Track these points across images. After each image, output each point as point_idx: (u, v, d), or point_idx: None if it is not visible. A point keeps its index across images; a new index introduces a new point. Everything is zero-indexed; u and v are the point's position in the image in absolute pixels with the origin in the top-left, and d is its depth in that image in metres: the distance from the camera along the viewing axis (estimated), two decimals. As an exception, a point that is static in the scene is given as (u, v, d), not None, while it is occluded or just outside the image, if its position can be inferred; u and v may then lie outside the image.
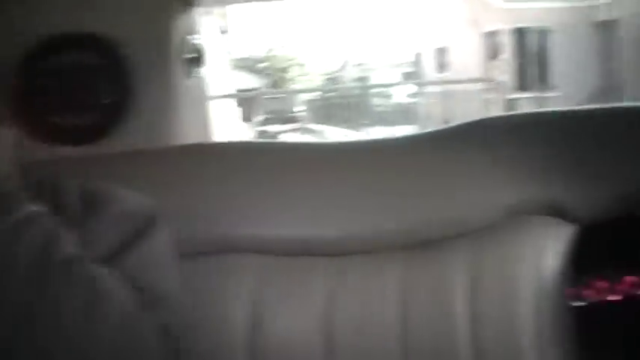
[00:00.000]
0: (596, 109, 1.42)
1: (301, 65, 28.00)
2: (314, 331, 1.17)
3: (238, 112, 13.88)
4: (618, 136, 1.30)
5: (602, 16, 17.20)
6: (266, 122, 15.53)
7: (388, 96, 17.01)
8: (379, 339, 1.16)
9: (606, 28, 17.22)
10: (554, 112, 1.40)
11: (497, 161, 1.22)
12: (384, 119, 14.58)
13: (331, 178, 1.23)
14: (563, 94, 14.58)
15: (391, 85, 18.16)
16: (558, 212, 1.23)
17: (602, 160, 1.26)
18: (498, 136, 1.26)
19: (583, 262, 1.29)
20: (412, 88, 15.54)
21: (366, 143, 1.34)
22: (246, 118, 15.22)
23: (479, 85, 14.85)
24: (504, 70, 16.81)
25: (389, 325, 1.16)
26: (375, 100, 17.76)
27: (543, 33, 17.44)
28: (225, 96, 8.46)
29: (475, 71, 16.89)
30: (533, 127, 1.30)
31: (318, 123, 15.43)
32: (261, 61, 26.54)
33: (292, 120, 15.78)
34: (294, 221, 1.21)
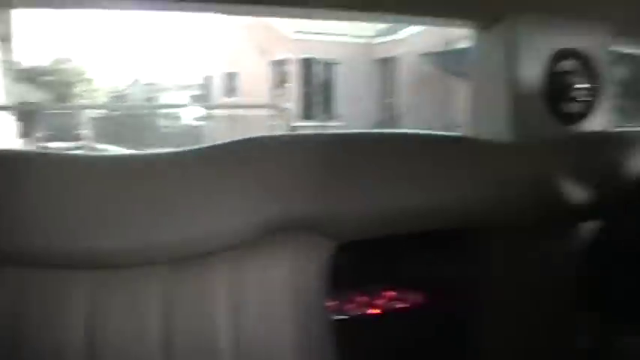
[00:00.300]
0: (362, 134, 1.49)
1: (89, 80, 27.13)
2: (76, 347, 1.14)
3: (18, 126, 13.18)
4: (380, 160, 1.37)
5: (383, 53, 18.11)
6: (47, 139, 14.82)
7: (176, 118, 16.87)
8: (142, 354, 1.15)
9: (387, 65, 18.16)
10: (321, 135, 1.45)
11: (261, 178, 1.24)
12: (170, 141, 14.43)
13: (98, 191, 1.20)
14: (346, 124, 15.14)
15: (179, 106, 18.04)
16: (319, 229, 1.27)
17: (363, 182, 1.32)
18: (264, 154, 1.29)
19: (344, 277, 1.35)
20: (200, 110, 15.52)
21: (137, 157, 1.33)
22: (26, 134, 14.48)
23: (265, 111, 15.09)
24: (290, 97, 17.23)
25: (152, 340, 1.15)
26: (163, 122, 17.56)
27: (329, 65, 18.08)
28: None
29: (263, 97, 17.18)
30: (299, 147, 1.35)
31: (104, 142, 14.99)
32: (47, 74, 25.41)
33: (76, 137, 15.18)
34: (57, 233, 1.17)
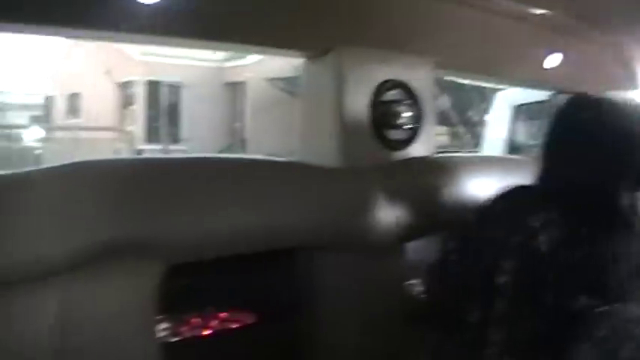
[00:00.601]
0: (195, 158, 1.53)
1: None
2: None
3: None
4: (211, 183, 1.42)
5: (231, 77, 18.12)
6: None
7: (16, 139, 16.16)
8: None
9: (235, 89, 18.18)
10: (152, 159, 1.48)
11: (88, 202, 1.25)
12: (7, 164, 13.81)
13: None
14: (192, 148, 15.00)
15: (19, 127, 17.30)
16: (148, 253, 1.29)
17: (193, 205, 1.36)
18: (91, 178, 1.30)
19: (177, 300, 1.38)
20: (41, 132, 14.95)
21: None
22: None
23: (110, 134, 14.75)
24: (135, 120, 16.92)
25: None
26: (1, 143, 16.78)
27: (176, 88, 17.88)
28: None
29: (107, 120, 16.74)
30: (128, 171, 1.37)
31: None
32: None
33: None
34: None
